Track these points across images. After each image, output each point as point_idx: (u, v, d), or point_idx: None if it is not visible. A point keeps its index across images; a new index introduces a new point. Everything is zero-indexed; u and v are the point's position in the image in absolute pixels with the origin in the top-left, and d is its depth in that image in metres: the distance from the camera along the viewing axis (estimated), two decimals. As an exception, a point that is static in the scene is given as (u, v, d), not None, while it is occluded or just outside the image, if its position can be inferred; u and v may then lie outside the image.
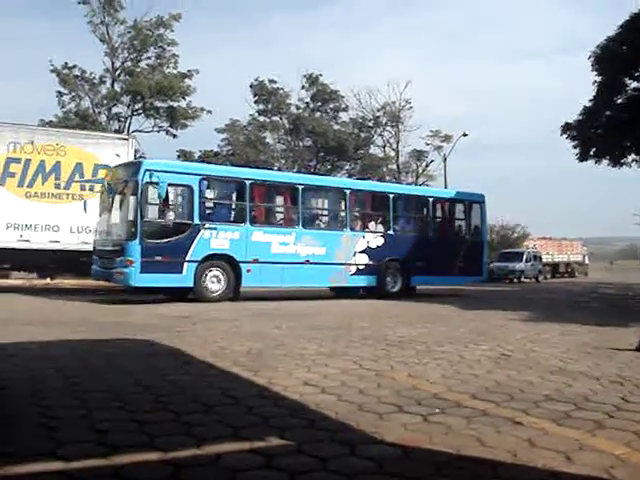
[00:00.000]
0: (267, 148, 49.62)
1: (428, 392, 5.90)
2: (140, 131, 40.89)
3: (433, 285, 23.45)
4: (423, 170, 48.06)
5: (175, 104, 40.99)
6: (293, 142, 49.66)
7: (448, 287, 24.67)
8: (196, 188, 16.97)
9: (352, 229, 20.14)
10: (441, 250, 21.79)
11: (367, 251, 20.04)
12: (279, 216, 20.13)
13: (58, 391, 5.87)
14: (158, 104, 40.98)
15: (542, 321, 13.33)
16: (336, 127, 48.34)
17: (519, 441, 4.38)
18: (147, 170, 16.31)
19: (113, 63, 40.70)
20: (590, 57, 27.78)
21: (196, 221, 17.02)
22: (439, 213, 23.50)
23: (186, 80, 40.93)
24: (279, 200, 20.18)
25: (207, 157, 47.44)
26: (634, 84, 27.96)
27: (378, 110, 47.30)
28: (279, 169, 47.99)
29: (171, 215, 17.39)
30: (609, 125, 27.58)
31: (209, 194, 18.28)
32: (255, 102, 48.75)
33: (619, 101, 28.04)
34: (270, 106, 48.67)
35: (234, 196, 18.80)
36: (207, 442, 4.30)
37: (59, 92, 39.92)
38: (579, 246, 63.47)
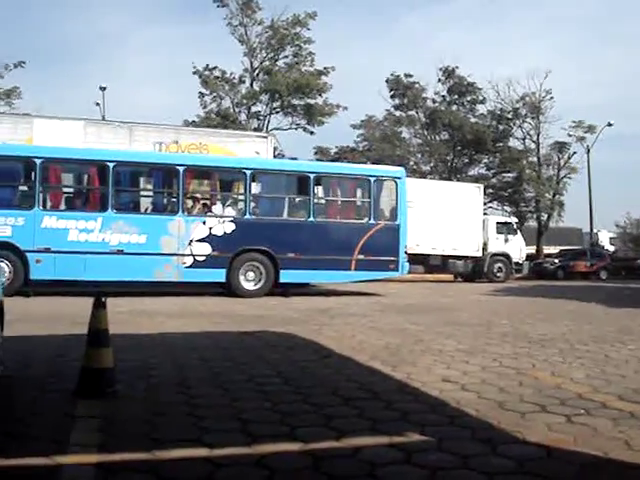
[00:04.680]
0: (403, 143, 49.33)
1: (572, 392, 5.70)
2: (278, 129, 41.73)
3: (321, 282, 19.18)
4: (565, 162, 46.27)
5: (312, 101, 41.56)
6: (429, 136, 49.10)
7: (358, 284, 19.04)
8: None
9: (187, 213, 16.77)
10: (329, 238, 17.60)
11: (210, 239, 16.56)
12: (83, 198, 17.20)
13: (202, 380, 6.10)
14: (295, 102, 41.69)
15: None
16: (473, 120, 47.40)
17: (673, 446, 4.15)
18: None
19: (252, 63, 41.77)
20: None
21: None
22: (327, 192, 18.81)
23: (322, 77, 41.41)
24: (83, 180, 17.38)
25: (343, 153, 47.82)
26: None
27: (517, 101, 45.84)
28: (415, 164, 47.61)
29: None
30: None
31: None
32: (391, 97, 48.56)
33: None
34: (406, 100, 48.30)
35: (21, 177, 16.37)
36: (346, 435, 4.33)
37: (201, 93, 41.42)
38: None
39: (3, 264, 15.32)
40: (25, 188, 16.27)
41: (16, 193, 16.40)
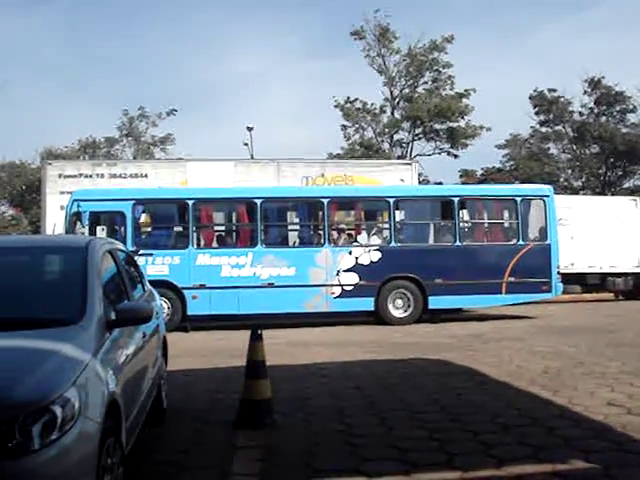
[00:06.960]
0: (551, 160, 47.88)
1: None
2: (422, 155, 41.47)
3: (470, 307, 18.45)
4: None
5: (454, 125, 41.15)
6: (579, 150, 47.35)
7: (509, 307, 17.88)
8: (129, 214, 15.92)
9: (334, 244, 16.87)
10: (477, 262, 17.22)
11: (357, 269, 16.53)
12: (233, 235, 17.88)
13: (358, 409, 6.15)
14: (437, 126, 41.38)
15: None
16: (624, 130, 45.36)
17: None
18: (75, 200, 15.62)
19: (392, 92, 41.89)
20: None
21: (129, 248, 15.18)
22: (473, 215, 18.43)
23: (463, 100, 40.99)
24: (233, 218, 18.11)
25: (489, 174, 47.02)
26: None
27: (671, 108, 43.56)
28: (566, 180, 46.06)
29: None
30: None
31: (145, 218, 17.21)
32: (535, 113, 47.35)
33: None
34: (552, 116, 46.93)
35: (175, 218, 17.13)
36: (507, 462, 4.25)
37: (343, 126, 41.99)
38: None
39: (162, 301, 16.23)
40: (179, 229, 17.00)
41: (171, 234, 17.24)
